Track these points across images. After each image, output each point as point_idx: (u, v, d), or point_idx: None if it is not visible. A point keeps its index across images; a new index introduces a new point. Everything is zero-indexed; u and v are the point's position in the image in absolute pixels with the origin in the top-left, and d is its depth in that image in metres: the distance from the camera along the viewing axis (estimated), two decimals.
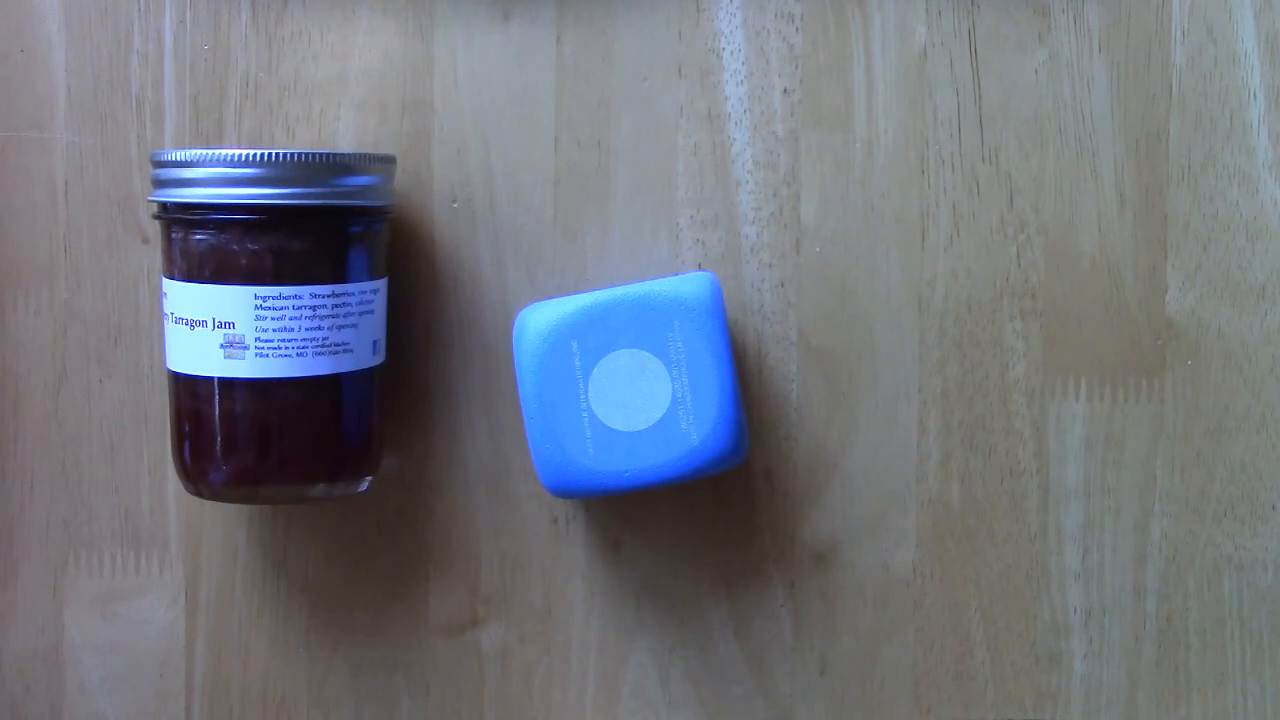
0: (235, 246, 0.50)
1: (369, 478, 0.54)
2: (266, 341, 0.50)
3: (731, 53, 0.56)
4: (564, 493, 0.53)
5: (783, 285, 0.56)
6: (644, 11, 0.56)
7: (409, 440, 0.57)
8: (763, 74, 0.56)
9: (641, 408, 0.52)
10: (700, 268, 0.56)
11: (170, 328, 0.52)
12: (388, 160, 0.53)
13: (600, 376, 0.52)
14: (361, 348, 0.52)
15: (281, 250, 0.50)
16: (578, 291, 0.56)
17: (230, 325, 0.50)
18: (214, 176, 0.50)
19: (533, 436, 0.52)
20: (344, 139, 0.57)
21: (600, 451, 0.52)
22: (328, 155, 0.51)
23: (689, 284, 0.52)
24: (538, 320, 0.52)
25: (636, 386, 0.52)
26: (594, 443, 0.52)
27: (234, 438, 0.51)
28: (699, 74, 0.56)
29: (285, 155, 0.50)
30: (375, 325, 0.53)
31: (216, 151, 0.50)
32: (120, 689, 0.58)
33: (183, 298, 0.51)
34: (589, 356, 0.52)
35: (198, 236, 0.51)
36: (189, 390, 0.51)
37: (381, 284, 0.53)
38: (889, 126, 0.56)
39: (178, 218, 0.51)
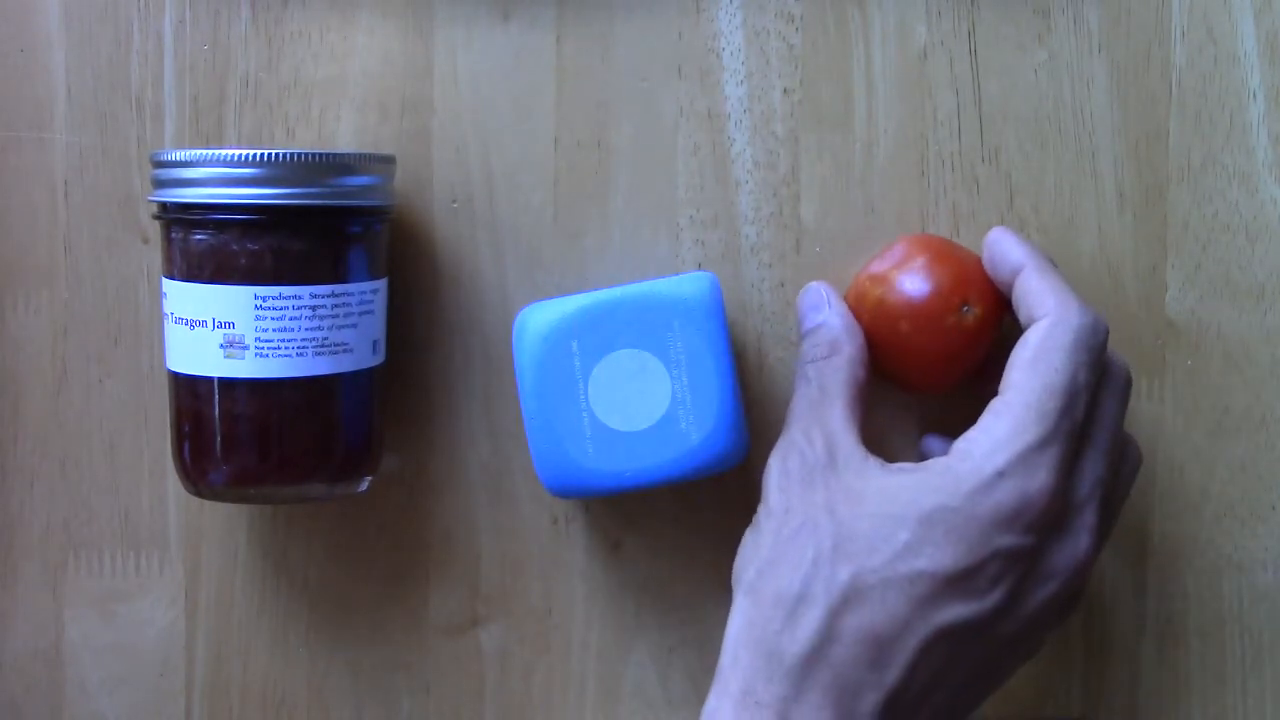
0: (235, 246, 0.50)
1: (369, 478, 0.54)
2: (266, 341, 0.50)
3: (731, 53, 0.56)
4: (564, 493, 0.53)
5: (783, 285, 0.56)
6: (644, 11, 0.56)
7: (409, 440, 0.57)
8: (763, 74, 0.56)
9: (641, 408, 0.52)
10: (700, 268, 0.56)
11: (170, 328, 0.52)
12: (387, 160, 0.53)
13: (600, 376, 0.52)
14: (361, 348, 0.52)
15: (281, 250, 0.50)
16: (578, 291, 0.56)
17: (230, 325, 0.50)
18: (214, 176, 0.50)
19: (533, 436, 0.52)
20: (344, 139, 0.57)
21: (600, 451, 0.52)
22: (328, 155, 0.51)
23: (689, 284, 0.52)
24: (538, 320, 0.52)
25: (636, 386, 0.52)
26: (594, 443, 0.52)
27: (234, 438, 0.51)
28: (699, 74, 0.56)
29: (285, 155, 0.50)
30: (375, 325, 0.53)
31: (216, 151, 0.50)
32: (120, 689, 0.58)
33: (183, 298, 0.51)
34: (589, 356, 0.52)
35: (197, 236, 0.51)
36: (189, 390, 0.51)
37: (381, 284, 0.53)
38: (889, 126, 0.56)
39: (178, 218, 0.51)
